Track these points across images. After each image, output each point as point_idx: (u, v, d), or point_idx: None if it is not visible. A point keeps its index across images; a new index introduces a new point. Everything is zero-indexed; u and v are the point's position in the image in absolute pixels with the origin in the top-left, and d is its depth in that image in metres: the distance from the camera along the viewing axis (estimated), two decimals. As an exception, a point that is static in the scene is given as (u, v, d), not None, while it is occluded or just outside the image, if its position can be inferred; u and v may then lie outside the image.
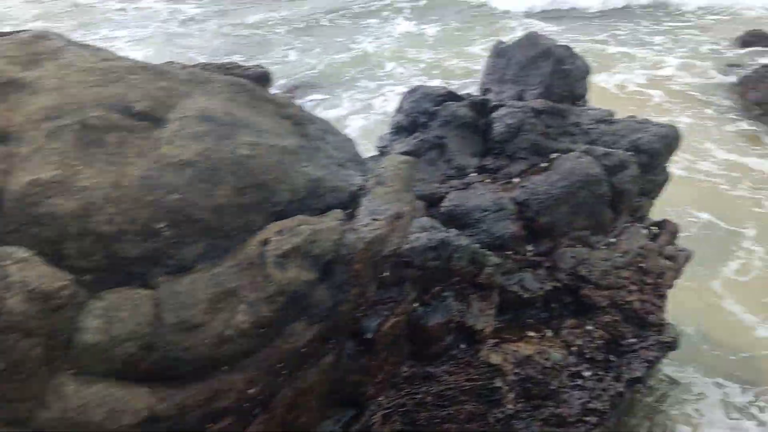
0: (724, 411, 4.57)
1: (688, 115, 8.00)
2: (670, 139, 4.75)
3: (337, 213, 2.14)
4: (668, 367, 4.77)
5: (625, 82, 8.74)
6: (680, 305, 5.12)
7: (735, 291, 5.38)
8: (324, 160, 2.31)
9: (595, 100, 7.22)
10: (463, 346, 3.45)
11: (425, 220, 3.34)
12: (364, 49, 11.56)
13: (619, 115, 5.07)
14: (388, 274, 2.56)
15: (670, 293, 4.70)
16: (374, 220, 2.16)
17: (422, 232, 3.09)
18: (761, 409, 4.48)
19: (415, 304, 3.18)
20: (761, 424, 4.48)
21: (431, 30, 12.21)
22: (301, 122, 2.35)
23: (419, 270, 3.03)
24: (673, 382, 4.72)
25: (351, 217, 2.18)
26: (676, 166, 6.94)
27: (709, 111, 8.13)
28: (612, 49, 9.95)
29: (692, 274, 5.37)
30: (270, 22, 13.32)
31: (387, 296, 2.89)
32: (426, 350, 3.28)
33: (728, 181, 6.71)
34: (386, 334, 2.88)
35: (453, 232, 3.33)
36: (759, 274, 5.52)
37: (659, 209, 5.74)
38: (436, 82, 9.83)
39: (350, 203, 2.25)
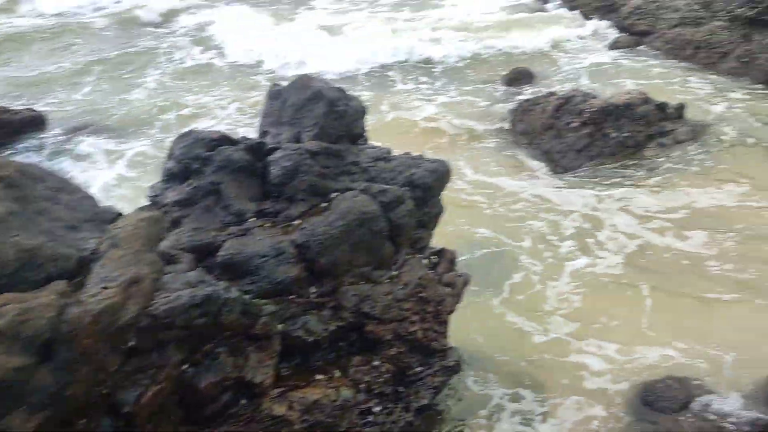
0: (518, 418, 4.89)
1: (464, 148, 8.66)
2: (441, 173, 5.04)
3: (59, 285, 1.92)
4: (468, 380, 5.05)
5: (405, 120, 9.24)
6: (473, 322, 5.50)
7: (518, 303, 5.85)
8: (47, 225, 2.08)
9: (378, 138, 7.54)
10: (243, 401, 3.30)
11: (193, 275, 3.16)
12: (153, 86, 11.06)
13: (399, 150, 5.34)
14: (134, 343, 2.35)
15: (463, 313, 5.07)
16: (105, 288, 1.97)
17: (186, 289, 2.92)
18: (546, 417, 4.84)
19: (185, 366, 2.99)
20: (547, 428, 4.85)
21: (220, 62, 12.02)
22: (16, 184, 2.10)
23: (184, 330, 2.85)
24: (474, 395, 4.98)
25: (78, 287, 1.97)
26: (459, 193, 7.49)
27: (482, 142, 8.87)
28: (391, 89, 10.49)
29: (481, 290, 5.84)
30: (53, 63, 12.26)
31: (146, 363, 2.67)
32: (201, 413, 3.09)
33: (502, 204, 7.35)
34: (148, 405, 2.65)
35: (222, 284, 3.19)
36: (538, 288, 6.04)
37: (446, 235, 6.09)
38: (231, 111, 9.69)
39: (79, 271, 2.04)
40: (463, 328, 5.30)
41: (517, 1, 14.69)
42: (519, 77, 10.74)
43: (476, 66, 11.18)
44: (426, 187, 4.91)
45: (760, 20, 10.33)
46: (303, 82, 4.85)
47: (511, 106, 9.52)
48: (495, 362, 5.24)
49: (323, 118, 4.73)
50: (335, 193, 4.46)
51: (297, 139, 4.76)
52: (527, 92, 10.09)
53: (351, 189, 4.55)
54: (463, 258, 6.22)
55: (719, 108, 8.99)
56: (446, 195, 6.58)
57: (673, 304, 5.62)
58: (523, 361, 5.23)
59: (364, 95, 9.67)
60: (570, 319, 5.59)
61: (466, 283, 5.10)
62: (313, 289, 4.13)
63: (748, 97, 9.33)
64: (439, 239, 5.66)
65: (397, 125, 9.06)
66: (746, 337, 5.12)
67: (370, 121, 8.76)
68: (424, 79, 10.88)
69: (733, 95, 9.38)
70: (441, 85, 10.60)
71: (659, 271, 6.06)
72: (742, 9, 10.55)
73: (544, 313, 5.69)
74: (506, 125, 9.25)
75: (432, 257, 4.98)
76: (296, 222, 4.26)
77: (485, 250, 6.52)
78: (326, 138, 4.73)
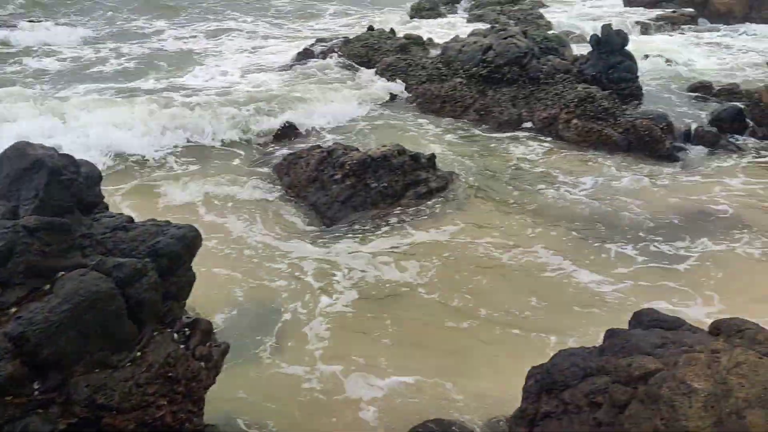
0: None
1: (229, 207, 8.49)
2: (190, 239, 4.79)
3: None
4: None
5: (164, 191, 8.84)
6: (245, 376, 5.45)
7: (284, 349, 5.85)
8: None
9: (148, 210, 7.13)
10: None
11: None
12: None
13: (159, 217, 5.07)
14: None
15: (234, 370, 5.03)
16: None
17: None
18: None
19: None
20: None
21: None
22: None
23: None
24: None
25: None
26: (222, 252, 7.28)
27: (250, 198, 8.77)
28: (148, 165, 9.89)
29: (248, 344, 5.84)
30: None
31: None
32: None
33: (265, 257, 7.33)
34: None
35: None
36: (299, 331, 6.09)
37: (207, 296, 6.02)
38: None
39: None
40: (237, 385, 5.25)
41: (280, 59, 15.04)
42: (286, 132, 10.85)
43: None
44: (173, 256, 4.63)
45: (492, 78, 11.71)
46: (20, 149, 4.34)
47: (276, 161, 9.59)
48: (271, 412, 5.16)
49: (45, 188, 4.26)
50: (62, 273, 4.01)
51: (14, 214, 4.22)
52: (293, 146, 10.22)
53: (83, 265, 4.13)
54: (225, 316, 6.23)
55: (460, 158, 9.92)
56: (208, 255, 6.40)
57: (411, 335, 6.02)
58: (298, 407, 5.22)
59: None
60: (332, 358, 5.73)
61: (224, 352, 4.87)
62: (36, 386, 3.63)
63: (483, 146, 10.45)
64: (201, 301, 5.49)
65: (154, 197, 8.66)
66: (481, 366, 5.57)
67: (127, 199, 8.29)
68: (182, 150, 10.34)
69: (472, 145, 10.44)
70: (201, 152, 10.25)
71: (396, 305, 6.49)
72: (477, 68, 11.88)
73: (308, 356, 5.77)
74: (272, 179, 9.28)
75: (184, 330, 4.68)
76: (12, 310, 3.74)
77: (247, 305, 6.46)
78: (50, 211, 4.25)
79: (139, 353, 4.16)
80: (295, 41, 17.17)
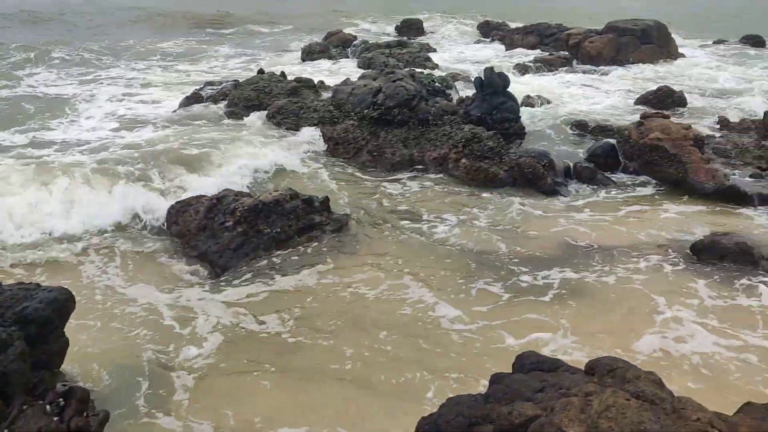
0: None
1: (113, 260, 8.10)
2: (61, 303, 4.54)
3: None
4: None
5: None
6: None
7: (157, 400, 5.57)
8: None
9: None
10: None
11: None
12: None
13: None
14: None
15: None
16: None
17: None
18: None
19: None
20: None
21: None
22: None
23: None
24: None
25: None
26: (96, 308, 6.90)
27: (133, 249, 8.40)
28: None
29: (128, 399, 5.48)
30: None
31: None
32: None
33: (144, 312, 6.97)
34: None
35: None
36: (169, 386, 5.81)
37: (85, 354, 5.67)
38: None
39: None
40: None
41: (167, 105, 14.62)
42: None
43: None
44: (42, 322, 4.36)
45: (383, 120, 11.95)
46: None
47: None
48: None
49: None
50: None
51: None
52: (183, 194, 9.89)
53: (-62, 339, 3.77)
54: (98, 371, 5.80)
55: (354, 199, 10.00)
56: (81, 311, 5.98)
57: (289, 383, 5.88)
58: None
59: None
60: (201, 413, 5.48)
61: (103, 422, 4.57)
62: None
63: (375, 187, 10.60)
64: (74, 357, 5.14)
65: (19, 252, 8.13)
66: (373, 412, 5.47)
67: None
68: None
69: (364, 186, 10.56)
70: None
71: (274, 352, 6.34)
72: (368, 110, 12.10)
73: (181, 410, 5.50)
74: (162, 230, 8.97)
75: (58, 400, 4.36)
76: None
77: (118, 359, 6.08)
78: None
79: (6, 431, 3.84)
80: (183, 86, 16.79)
